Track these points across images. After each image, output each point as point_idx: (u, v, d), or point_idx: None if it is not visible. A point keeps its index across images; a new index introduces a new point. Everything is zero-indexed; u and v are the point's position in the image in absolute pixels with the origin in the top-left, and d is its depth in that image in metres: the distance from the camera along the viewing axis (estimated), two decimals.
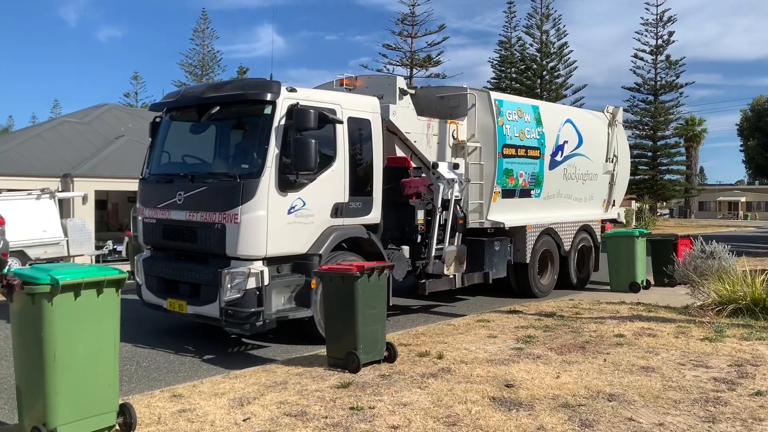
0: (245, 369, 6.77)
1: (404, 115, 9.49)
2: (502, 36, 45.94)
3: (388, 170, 8.99)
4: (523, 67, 44.16)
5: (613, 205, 13.83)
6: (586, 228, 12.89)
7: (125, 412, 4.83)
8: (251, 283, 7.08)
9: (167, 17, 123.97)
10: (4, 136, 42.56)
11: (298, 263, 7.65)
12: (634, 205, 44.83)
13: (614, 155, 13.44)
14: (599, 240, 13.24)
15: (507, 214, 10.75)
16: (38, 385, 4.45)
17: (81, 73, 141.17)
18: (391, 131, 9.20)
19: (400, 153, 9.47)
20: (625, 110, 44.59)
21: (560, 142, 11.93)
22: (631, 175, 45.32)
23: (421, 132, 9.74)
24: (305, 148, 7.19)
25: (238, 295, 7.08)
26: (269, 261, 7.32)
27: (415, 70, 41.58)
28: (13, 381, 5.37)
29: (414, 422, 5.05)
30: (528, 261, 11.26)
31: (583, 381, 6.14)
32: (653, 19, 44.75)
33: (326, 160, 7.85)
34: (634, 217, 40.37)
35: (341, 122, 7.97)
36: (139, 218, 8.52)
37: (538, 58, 43.36)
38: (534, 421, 5.08)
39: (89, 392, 4.59)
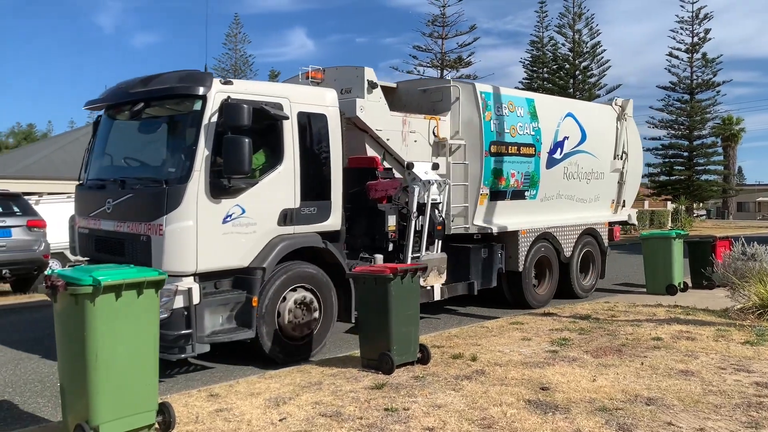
0: (280, 369, 6.84)
1: (374, 110, 8.62)
2: (533, 36, 45.50)
3: (354, 172, 8.40)
4: (555, 67, 43.72)
5: (623, 206, 12.86)
6: (590, 232, 11.94)
7: (164, 411, 4.92)
8: (178, 302, 6.24)
9: (200, 23, 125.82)
10: (44, 140, 43.70)
11: (240, 278, 6.85)
12: (670, 206, 44.03)
13: (624, 152, 12.49)
14: (606, 244, 12.36)
15: (496, 218, 9.95)
16: (81, 383, 4.56)
17: (117, 78, 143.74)
18: (360, 128, 8.56)
19: (371, 152, 8.77)
20: (659, 110, 43.32)
21: (559, 138, 10.96)
22: (667, 175, 44.95)
23: (395, 129, 8.87)
24: (236, 148, 6.33)
25: (165, 315, 6.09)
26: (203, 276, 6.54)
27: (446, 72, 41.48)
28: (56, 380, 5.52)
29: (449, 424, 5.04)
30: (521, 269, 10.28)
31: (620, 384, 6.05)
32: (689, 17, 43.91)
33: (272, 161, 7.05)
34: (669, 219, 39.66)
35: (286, 118, 7.06)
36: (75, 228, 7.74)
37: (570, 58, 42.89)
38: (570, 425, 5.03)
39: (130, 391, 4.68)
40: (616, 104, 12.55)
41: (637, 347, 7.49)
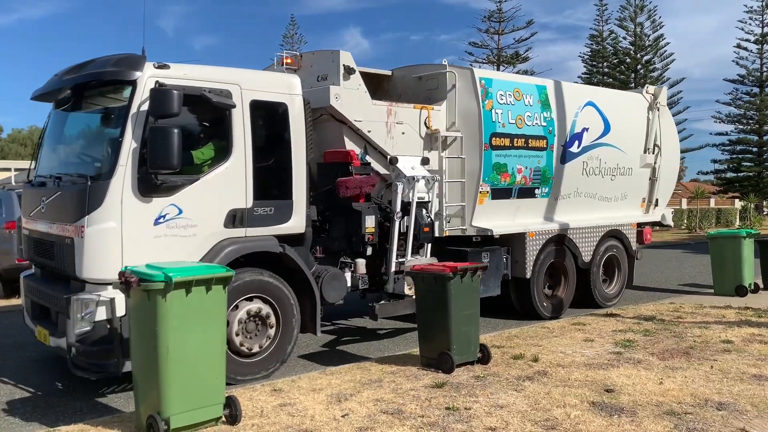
0: (341, 366, 6.92)
1: (352, 98, 7.73)
2: (593, 30, 44.43)
3: (331, 167, 7.75)
4: (615, 61, 42.62)
5: (656, 205, 11.55)
6: (615, 234, 10.66)
7: (231, 404, 5.05)
8: (100, 314, 5.59)
9: (257, 24, 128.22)
10: None
11: None
12: (738, 204, 42.32)
13: (656, 144, 11.19)
14: (634, 248, 11.08)
15: (499, 218, 8.91)
16: (153, 376, 4.72)
17: None
18: (338, 119, 7.78)
19: (351, 146, 7.90)
20: (726, 104, 41.74)
21: (577, 130, 9.80)
22: (734, 172, 43.22)
23: (378, 119, 7.97)
24: (162, 140, 5.57)
25: (87, 329, 5.61)
26: None
27: (502, 67, 41.04)
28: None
29: (511, 425, 5.00)
30: (529, 275, 9.17)
31: (688, 388, 5.87)
32: (758, 6, 42.07)
33: (218, 154, 6.34)
34: (737, 217, 38.14)
35: (232, 106, 6.29)
36: (21, 229, 7.18)
37: (631, 52, 41.73)
38: (637, 428, 4.91)
39: (199, 384, 4.83)
40: (647, 92, 11.36)
41: (705, 350, 7.25)
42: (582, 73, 44.76)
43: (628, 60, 41.98)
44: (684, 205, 40.58)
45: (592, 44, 44.10)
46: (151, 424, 4.70)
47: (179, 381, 4.72)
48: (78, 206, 5.73)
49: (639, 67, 41.54)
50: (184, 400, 4.76)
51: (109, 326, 5.60)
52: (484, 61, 41.52)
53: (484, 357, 6.78)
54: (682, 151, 40.21)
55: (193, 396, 4.81)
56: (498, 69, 40.43)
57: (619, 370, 6.49)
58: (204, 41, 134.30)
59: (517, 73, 38.33)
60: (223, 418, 5.04)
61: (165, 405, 4.68)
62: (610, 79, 41.65)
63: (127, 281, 4.77)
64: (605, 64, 43.45)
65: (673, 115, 39.71)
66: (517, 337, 8.06)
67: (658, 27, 41.40)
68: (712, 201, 45.16)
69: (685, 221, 35.29)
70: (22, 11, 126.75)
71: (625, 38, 42.46)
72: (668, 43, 41.77)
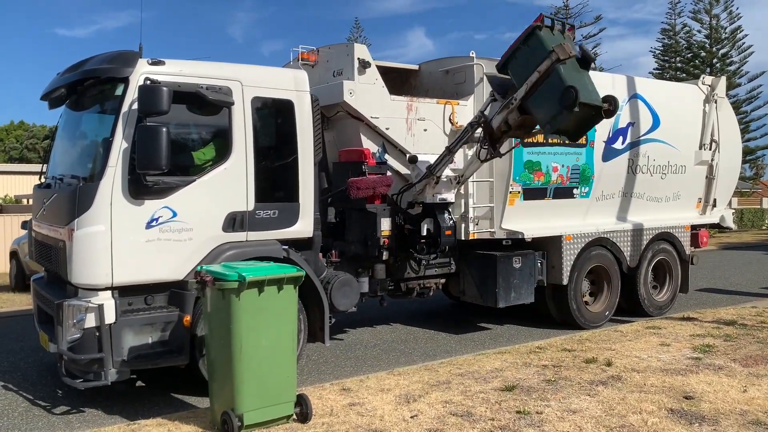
0: (407, 366, 6.91)
1: (368, 93, 7.44)
2: (665, 24, 42.89)
3: (345, 166, 7.45)
4: (689, 55, 40.96)
5: (714, 205, 10.70)
6: (665, 236, 9.89)
7: (302, 402, 5.12)
8: (90, 321, 5.38)
9: (323, 28, 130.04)
10: None
11: (175, 293, 5.83)
12: None
13: (713, 140, 10.39)
14: (688, 252, 10.24)
15: (532, 220, 8.38)
16: (227, 374, 4.84)
17: None
18: (354, 116, 7.48)
19: (368, 144, 7.57)
20: None
21: (622, 125, 9.10)
22: None
23: (397, 116, 7.65)
24: (149, 138, 5.33)
25: (77, 336, 5.43)
26: (127, 290, 5.62)
27: None
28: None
29: (585, 430, 4.87)
30: (565, 281, 8.59)
31: None
32: None
33: (217, 154, 6.05)
34: None
35: (230, 104, 5.98)
36: (30, 231, 7.11)
37: (707, 45, 40.03)
38: None
39: (271, 382, 4.92)
40: (703, 83, 10.46)
41: None
42: (653, 69, 43.24)
43: (703, 54, 40.29)
44: (765, 205, 38.61)
45: (664, 39, 42.53)
46: (225, 420, 4.82)
47: (252, 378, 4.82)
48: (69, 208, 5.59)
49: (715, 60, 39.82)
50: (257, 398, 4.86)
51: (97, 333, 5.39)
52: None
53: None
54: (762, 148, 38.55)
55: (265, 393, 4.90)
56: None
57: (698, 376, 6.23)
58: (272, 47, 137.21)
59: None
60: (294, 416, 5.11)
61: (239, 402, 4.79)
62: (684, 74, 40.09)
63: (202, 280, 4.91)
64: (678, 58, 41.84)
65: (753, 110, 37.20)
66: (589, 341, 7.85)
67: (736, 18, 39.54)
68: None
69: (766, 221, 33.56)
70: (101, 22, 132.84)
71: (699, 31, 40.76)
72: (746, 35, 39.91)
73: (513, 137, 7.39)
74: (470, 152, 8.10)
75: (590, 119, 6.55)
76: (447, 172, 7.68)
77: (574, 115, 6.24)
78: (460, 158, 7.98)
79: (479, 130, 7.20)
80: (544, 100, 6.41)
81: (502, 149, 7.25)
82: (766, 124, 42.95)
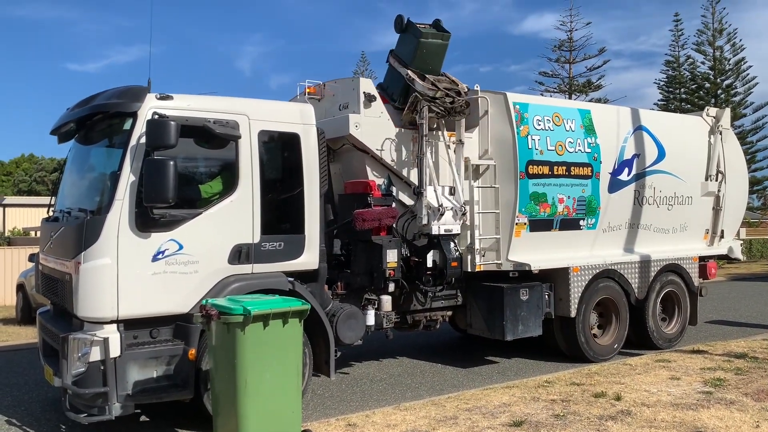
0: (414, 401, 6.83)
1: (374, 126, 7.59)
2: (668, 55, 43.23)
3: (351, 198, 7.58)
4: (694, 86, 41.18)
5: (722, 236, 10.64)
6: (673, 268, 9.84)
7: None
8: (95, 355, 5.38)
9: (331, 62, 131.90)
10: None
11: (181, 326, 5.81)
12: None
13: (719, 171, 10.40)
14: (697, 283, 10.15)
15: (539, 252, 8.34)
16: (231, 408, 4.81)
17: None
18: (359, 149, 7.61)
19: (373, 176, 7.68)
20: None
21: (627, 156, 9.20)
22: None
23: (403, 148, 7.82)
24: (157, 172, 5.37)
25: (82, 369, 5.40)
26: (133, 324, 5.61)
27: (574, 96, 40.41)
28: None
29: None
30: (573, 314, 8.52)
31: None
32: None
33: (224, 187, 6.09)
34: None
35: (238, 137, 6.05)
36: (37, 265, 7.12)
37: (711, 77, 40.24)
38: None
39: (276, 417, 4.89)
40: (707, 114, 10.58)
41: None
42: (658, 100, 43.47)
43: (708, 85, 40.52)
44: None
45: (668, 70, 42.86)
46: None
47: (256, 413, 4.79)
48: (76, 242, 5.63)
49: (719, 91, 40.01)
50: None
51: (102, 367, 5.38)
52: (555, 90, 40.98)
53: None
54: None
55: (270, 428, 4.87)
56: (570, 98, 39.86)
57: (709, 411, 6.12)
58: (279, 80, 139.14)
59: (590, 101, 37.70)
60: None
61: None
62: (689, 105, 40.28)
63: (208, 314, 4.90)
64: (682, 90, 42.08)
65: (758, 141, 37.25)
66: (598, 374, 7.75)
67: (739, 50, 39.83)
68: None
69: None
70: (112, 57, 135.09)
71: (703, 63, 41.05)
72: (750, 66, 40.16)
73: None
74: (475, 184, 8.19)
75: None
76: (452, 203, 7.71)
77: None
78: (466, 189, 8.06)
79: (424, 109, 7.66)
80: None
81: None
82: None
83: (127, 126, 5.75)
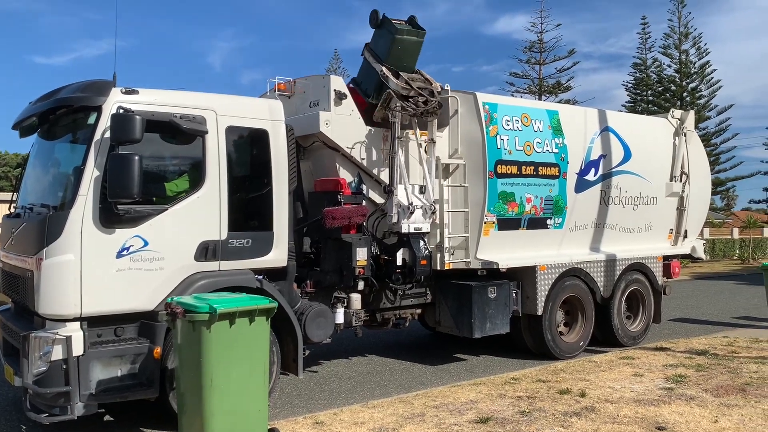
0: (382, 399, 6.84)
1: (344, 124, 7.57)
2: (636, 58, 43.91)
3: (321, 196, 7.58)
4: (660, 89, 41.97)
5: (685, 236, 10.85)
6: (638, 267, 10.03)
7: None
8: (57, 353, 5.27)
9: (303, 59, 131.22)
10: None
11: (145, 324, 5.74)
12: None
13: (683, 172, 10.60)
14: (661, 282, 10.37)
15: (507, 251, 8.44)
16: (197, 407, 4.77)
17: None
18: (330, 147, 7.61)
19: (344, 174, 7.70)
20: None
21: (594, 157, 9.35)
22: None
23: (373, 146, 7.81)
24: (121, 167, 5.28)
25: (44, 368, 5.28)
26: (97, 321, 5.50)
27: (544, 97, 40.85)
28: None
29: None
30: (540, 312, 8.63)
31: (746, 427, 5.61)
32: None
33: (190, 183, 6.02)
34: None
35: (204, 133, 5.97)
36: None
37: (676, 79, 41.06)
38: None
39: (242, 416, 4.85)
40: (672, 116, 10.76)
41: (763, 387, 6.93)
42: (626, 102, 44.17)
43: (674, 87, 41.32)
44: (736, 235, 39.31)
45: (635, 72, 43.60)
46: None
47: (223, 412, 4.75)
48: (38, 238, 5.51)
49: (685, 94, 40.83)
50: (228, 431, 4.77)
51: (64, 366, 5.27)
52: (525, 91, 41.39)
53: None
54: (732, 179, 39.39)
55: (236, 427, 4.83)
56: (540, 98, 40.28)
57: (670, 406, 6.26)
58: (251, 76, 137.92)
59: (559, 102, 38.13)
60: None
61: None
62: (655, 107, 41.02)
63: (173, 312, 4.85)
64: (649, 92, 42.85)
65: (722, 143, 38.33)
66: (564, 371, 7.87)
67: (704, 54, 40.71)
68: (766, 231, 43.66)
69: (737, 251, 34.14)
70: (80, 50, 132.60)
71: (669, 66, 41.86)
72: (715, 70, 41.07)
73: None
74: (445, 183, 8.24)
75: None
76: (422, 202, 7.74)
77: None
78: (436, 187, 8.09)
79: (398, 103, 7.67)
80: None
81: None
82: (735, 156, 43.98)
83: (91, 120, 5.64)
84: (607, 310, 9.62)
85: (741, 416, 5.93)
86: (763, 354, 8.72)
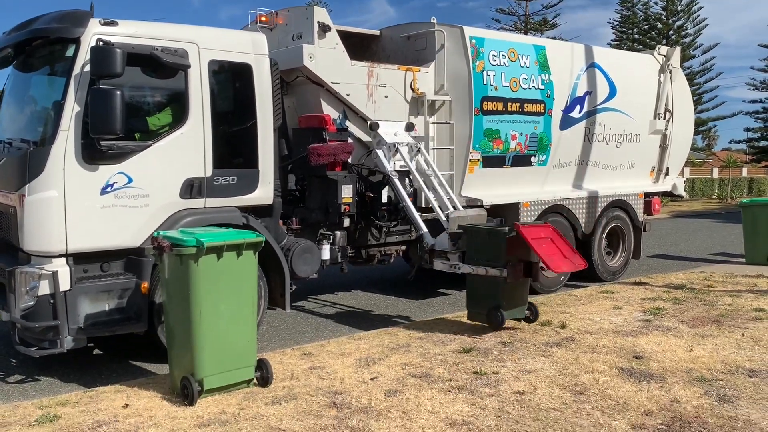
0: (369, 331, 6.98)
1: (328, 58, 7.33)
2: None
3: (306, 132, 7.46)
4: (646, 27, 41.54)
5: (667, 174, 10.98)
6: (619, 204, 10.11)
7: (262, 367, 5.15)
8: (44, 288, 5.30)
9: None
10: None
11: (132, 260, 5.75)
12: None
13: (667, 110, 10.58)
14: (641, 219, 10.47)
15: (491, 188, 8.45)
16: (186, 339, 4.82)
17: None
18: (314, 82, 7.40)
19: (328, 110, 7.52)
20: (761, 70, 40.48)
21: (579, 93, 9.26)
22: None
23: (358, 82, 7.57)
24: (103, 102, 5.17)
25: (30, 303, 5.33)
26: (83, 257, 5.51)
27: (530, 34, 40.28)
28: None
29: (540, 389, 5.03)
30: None
31: (719, 355, 5.83)
32: None
33: (173, 119, 5.89)
34: None
35: (187, 66, 5.82)
36: None
37: (663, 17, 40.62)
38: (667, 394, 4.90)
39: (231, 347, 4.93)
40: (659, 53, 10.63)
41: (736, 318, 7.17)
42: (612, 40, 43.74)
43: (660, 26, 40.88)
44: (715, 175, 39.77)
45: (622, 10, 43.01)
46: (185, 385, 4.81)
47: (212, 344, 4.81)
48: (20, 174, 5.42)
49: (671, 32, 40.46)
50: (217, 363, 4.86)
51: (52, 301, 5.31)
52: (511, 28, 40.77)
53: (533, 315, 6.91)
54: (714, 119, 39.56)
55: (225, 358, 4.91)
56: (525, 35, 39.64)
57: (648, 337, 6.46)
58: (230, 11, 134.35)
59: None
60: (255, 380, 5.14)
61: (198, 367, 4.79)
62: (641, 46, 40.66)
63: (159, 246, 4.85)
64: (635, 30, 42.38)
65: (706, 82, 37.98)
66: (545, 305, 8.05)
67: None
68: (745, 170, 44.23)
69: (716, 191, 34.63)
70: None
71: (656, 3, 41.33)
72: (701, 8, 40.69)
73: None
74: (431, 119, 8.17)
75: None
76: (407, 139, 7.69)
77: None
78: (420, 127, 8.02)
79: None
80: None
81: None
82: (718, 96, 43.97)
83: (69, 53, 5.48)
84: (588, 246, 9.76)
85: (715, 345, 6.15)
86: (738, 288, 8.98)
